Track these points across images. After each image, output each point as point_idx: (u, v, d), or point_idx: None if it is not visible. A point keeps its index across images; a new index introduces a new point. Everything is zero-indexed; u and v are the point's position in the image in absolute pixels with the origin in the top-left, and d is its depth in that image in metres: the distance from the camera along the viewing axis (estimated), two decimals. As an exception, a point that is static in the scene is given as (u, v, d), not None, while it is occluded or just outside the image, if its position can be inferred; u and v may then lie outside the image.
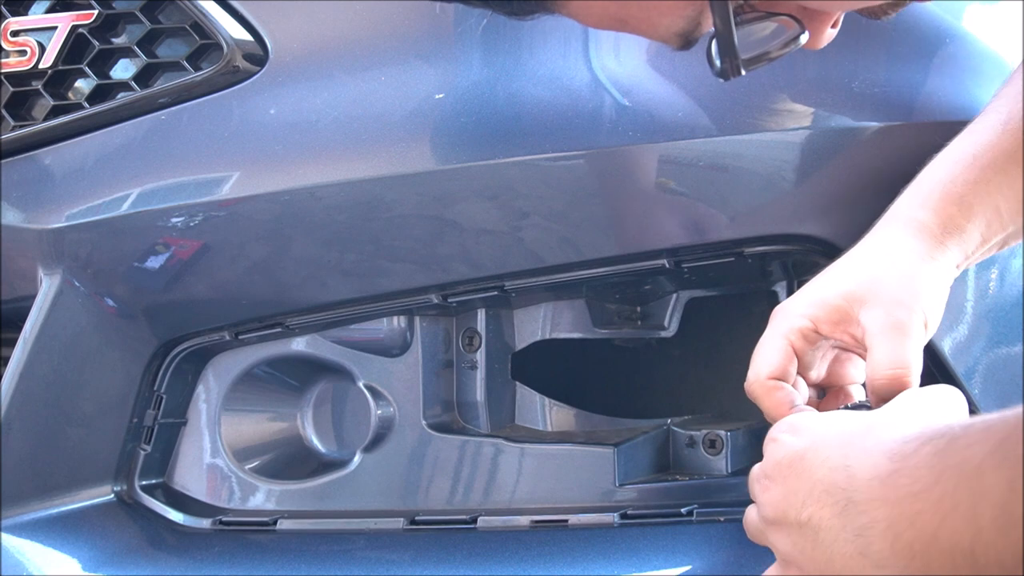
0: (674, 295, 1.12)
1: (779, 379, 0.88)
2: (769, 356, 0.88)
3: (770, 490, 0.76)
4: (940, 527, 0.60)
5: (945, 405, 0.77)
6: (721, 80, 0.76)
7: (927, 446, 0.64)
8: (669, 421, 1.12)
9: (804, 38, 0.77)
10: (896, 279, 0.85)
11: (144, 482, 1.13)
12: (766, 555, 0.79)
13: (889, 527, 0.64)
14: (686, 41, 0.79)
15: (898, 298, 0.84)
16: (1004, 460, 0.57)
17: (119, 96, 1.08)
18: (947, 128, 1.01)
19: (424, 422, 1.09)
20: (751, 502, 0.81)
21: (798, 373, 0.90)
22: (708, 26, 0.76)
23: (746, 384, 0.89)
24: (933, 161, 0.92)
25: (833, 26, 0.84)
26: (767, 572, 0.79)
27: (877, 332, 0.83)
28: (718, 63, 0.75)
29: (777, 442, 0.77)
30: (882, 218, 0.91)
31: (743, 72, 0.75)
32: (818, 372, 0.93)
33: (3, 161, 1.10)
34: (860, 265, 0.88)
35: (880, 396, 0.81)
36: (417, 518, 1.06)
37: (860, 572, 0.67)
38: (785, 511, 0.73)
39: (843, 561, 0.68)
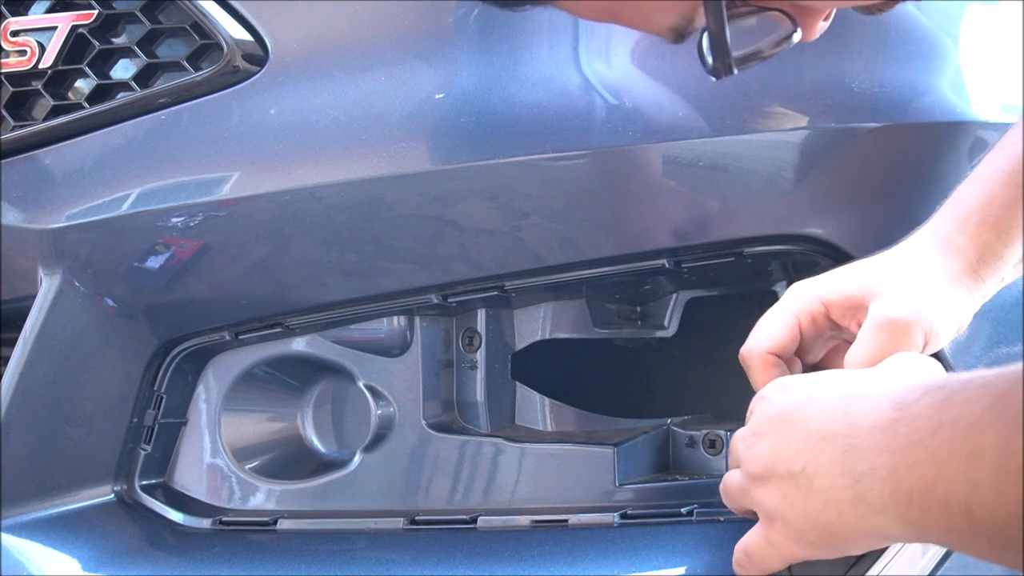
0: (674, 295, 1.12)
1: (778, 355, 0.88)
2: (774, 330, 0.88)
3: (758, 445, 0.76)
4: (937, 478, 0.61)
5: (933, 369, 0.78)
6: (713, 78, 0.76)
7: (927, 396, 0.64)
8: (669, 421, 1.12)
9: (797, 36, 0.77)
10: (916, 287, 0.85)
11: (144, 482, 1.12)
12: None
13: (889, 474, 0.65)
14: (679, 35, 0.79)
15: (909, 303, 0.84)
16: (1000, 417, 0.58)
17: (119, 96, 1.07)
18: (947, 128, 1.01)
19: (424, 422, 1.09)
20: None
21: (796, 353, 0.90)
22: (702, 21, 0.76)
23: (743, 350, 0.89)
24: (969, 176, 0.91)
25: (825, 19, 0.84)
26: (746, 537, 0.79)
27: (871, 325, 0.84)
28: (710, 61, 0.75)
29: (767, 399, 0.78)
30: (918, 231, 0.90)
31: (735, 71, 0.75)
32: (814, 356, 0.93)
33: (3, 161, 1.10)
34: (885, 265, 0.88)
35: None
36: (417, 518, 1.05)
37: (856, 519, 0.68)
38: (775, 463, 0.74)
39: (838, 508, 0.69)
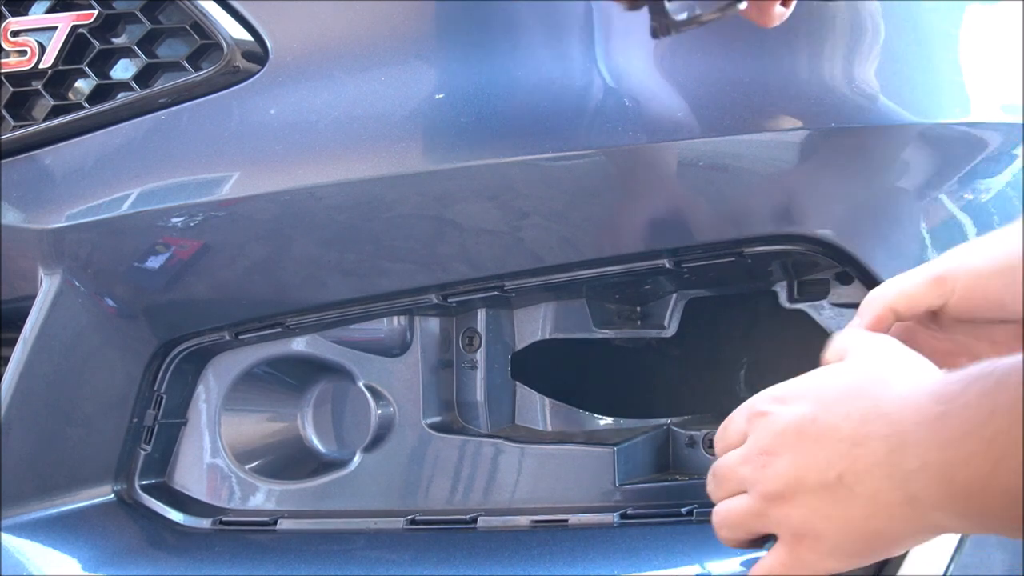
0: (674, 295, 1.12)
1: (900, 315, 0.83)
2: (914, 291, 0.82)
3: (773, 464, 0.72)
4: (995, 468, 0.59)
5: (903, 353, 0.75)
6: (653, 39, 0.77)
7: (975, 385, 0.62)
8: (669, 421, 1.12)
9: (743, 5, 0.77)
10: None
11: (144, 482, 1.13)
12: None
13: (941, 470, 0.62)
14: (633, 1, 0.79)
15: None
16: None
17: (119, 96, 1.07)
18: (947, 128, 1.01)
19: (424, 422, 1.09)
20: None
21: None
22: None
23: (872, 293, 0.84)
24: None
25: (784, 4, 0.84)
26: (767, 560, 0.74)
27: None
28: (651, 22, 0.76)
29: (770, 415, 0.73)
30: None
31: (672, 32, 0.76)
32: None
33: (3, 161, 1.10)
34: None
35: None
36: (417, 518, 1.06)
37: (908, 520, 0.65)
38: (801, 478, 0.70)
39: (888, 511, 0.66)
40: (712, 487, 0.78)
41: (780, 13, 0.83)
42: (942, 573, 0.95)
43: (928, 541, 0.73)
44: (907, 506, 0.65)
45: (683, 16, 0.76)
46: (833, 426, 0.69)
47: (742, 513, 0.75)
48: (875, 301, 0.83)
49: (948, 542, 0.98)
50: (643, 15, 0.80)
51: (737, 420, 0.77)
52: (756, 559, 0.77)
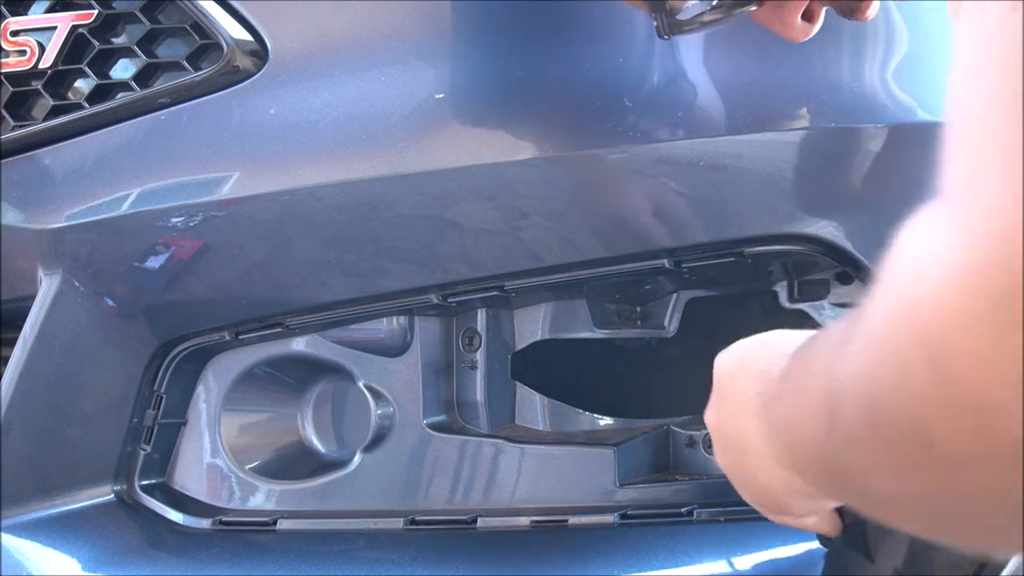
0: (674, 295, 1.12)
1: None
2: None
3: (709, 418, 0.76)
4: (799, 406, 0.56)
5: None
6: (659, 39, 0.77)
7: (810, 339, 0.60)
8: (669, 421, 1.12)
9: (751, 8, 0.77)
10: None
11: (144, 482, 1.13)
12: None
13: (777, 426, 0.63)
14: None
15: None
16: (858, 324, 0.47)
17: (119, 96, 1.07)
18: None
19: (424, 422, 1.09)
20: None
21: None
22: None
23: None
24: None
25: (808, 19, 0.83)
26: None
27: None
28: (655, 23, 0.77)
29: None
30: None
31: (671, 33, 0.76)
32: None
33: (3, 161, 1.10)
34: None
35: None
36: (417, 518, 1.06)
37: (775, 480, 0.67)
38: (720, 434, 0.73)
39: (764, 472, 0.68)
40: None
41: (805, 27, 0.83)
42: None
43: (815, 510, 0.74)
44: (774, 466, 0.66)
45: (686, 17, 0.76)
46: (738, 384, 0.71)
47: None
48: None
49: None
50: (642, 13, 0.80)
51: None
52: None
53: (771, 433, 0.64)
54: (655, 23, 0.77)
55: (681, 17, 0.76)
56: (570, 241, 1.00)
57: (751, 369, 0.69)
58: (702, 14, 0.77)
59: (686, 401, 1.20)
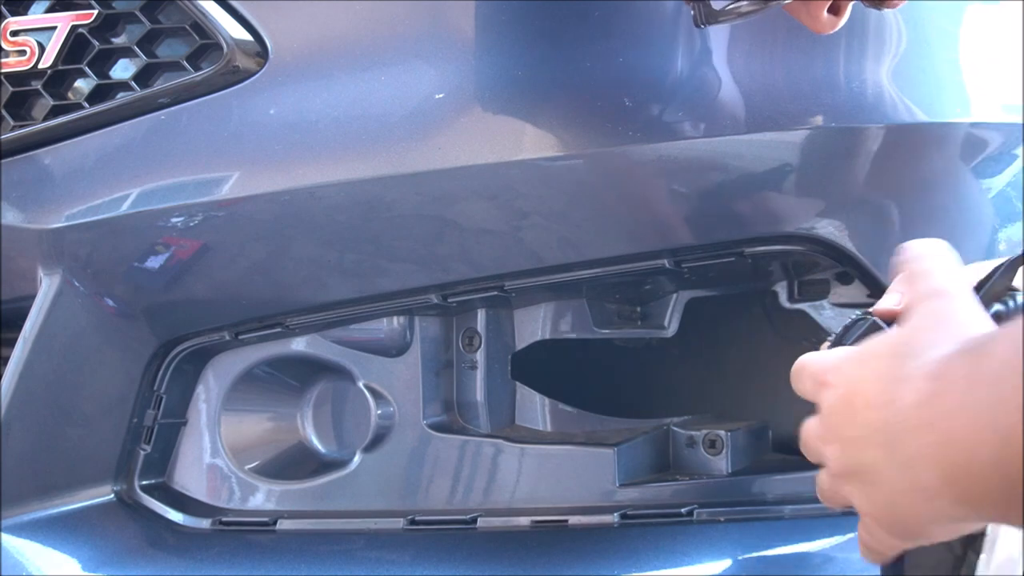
0: (674, 295, 1.12)
1: None
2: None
3: (829, 447, 0.70)
4: (977, 443, 0.54)
5: (956, 288, 0.68)
6: (697, 28, 0.77)
7: (962, 357, 0.58)
8: (669, 421, 1.12)
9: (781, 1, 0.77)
10: None
11: (144, 482, 1.12)
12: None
13: (935, 453, 0.58)
14: None
15: None
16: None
17: (119, 96, 1.07)
18: (947, 128, 1.01)
19: (424, 422, 1.09)
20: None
21: None
22: None
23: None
24: None
25: (835, 13, 0.83)
26: (859, 526, 0.74)
27: None
28: (692, 12, 0.76)
29: (822, 392, 0.71)
30: None
31: (707, 22, 0.75)
32: None
33: (3, 161, 1.10)
34: None
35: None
36: (417, 518, 1.05)
37: (920, 506, 0.63)
38: (844, 465, 0.69)
39: (903, 500, 0.64)
40: (803, 449, 0.77)
41: (831, 20, 0.82)
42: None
43: (963, 533, 0.72)
44: (912, 494, 0.63)
45: (723, 6, 0.76)
46: (857, 410, 0.67)
47: (825, 488, 0.75)
48: None
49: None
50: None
51: (805, 380, 0.75)
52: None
53: (937, 470, 0.59)
54: (692, 12, 0.77)
55: (718, 7, 0.76)
56: (570, 241, 1.00)
57: (880, 400, 0.64)
58: (739, 4, 0.77)
59: (686, 401, 1.21)
